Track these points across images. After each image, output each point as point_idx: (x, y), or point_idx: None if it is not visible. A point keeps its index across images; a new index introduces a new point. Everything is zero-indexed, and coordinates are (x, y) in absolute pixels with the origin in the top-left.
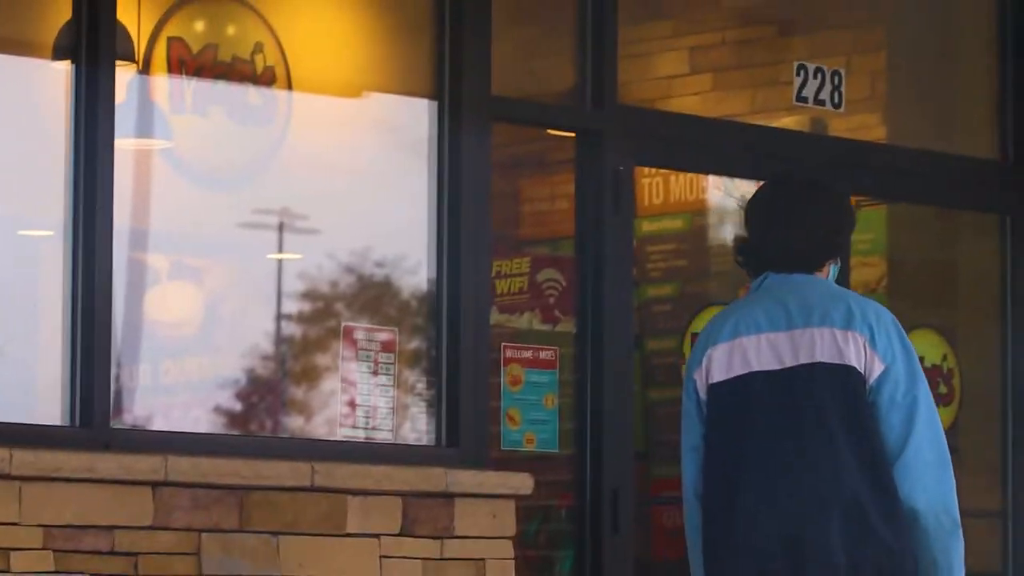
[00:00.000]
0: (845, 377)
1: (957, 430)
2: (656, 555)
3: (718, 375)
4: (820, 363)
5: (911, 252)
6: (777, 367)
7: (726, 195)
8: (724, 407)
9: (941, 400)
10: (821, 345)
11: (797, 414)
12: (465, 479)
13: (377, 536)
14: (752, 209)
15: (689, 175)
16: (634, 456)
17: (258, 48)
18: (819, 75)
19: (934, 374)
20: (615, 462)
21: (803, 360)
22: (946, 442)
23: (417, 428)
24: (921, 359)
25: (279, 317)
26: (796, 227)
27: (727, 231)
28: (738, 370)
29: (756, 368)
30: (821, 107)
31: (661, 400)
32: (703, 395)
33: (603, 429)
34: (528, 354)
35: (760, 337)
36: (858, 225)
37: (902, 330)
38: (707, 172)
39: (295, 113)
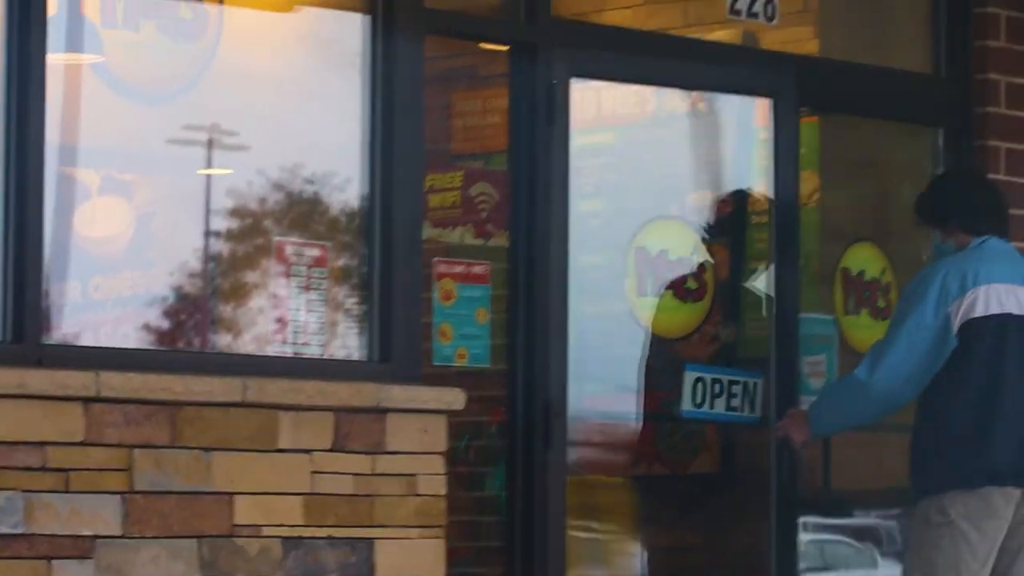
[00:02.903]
0: None
1: None
2: (587, 470)
3: (980, 311)
4: None
5: (844, 165)
6: (1020, 313)
7: (658, 108)
8: (983, 339)
9: (880, 313)
10: None
11: None
12: (397, 394)
13: (309, 452)
14: (975, 184)
15: (621, 89)
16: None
17: None
18: None
19: (873, 288)
20: (547, 377)
21: None
22: None
23: (349, 344)
24: (861, 272)
25: (209, 233)
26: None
27: (658, 145)
28: (995, 309)
29: (1008, 310)
30: (754, 20)
31: (593, 315)
32: (955, 327)
33: (535, 344)
34: (460, 269)
35: (1008, 286)
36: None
37: None
38: (640, 84)
39: (226, 27)
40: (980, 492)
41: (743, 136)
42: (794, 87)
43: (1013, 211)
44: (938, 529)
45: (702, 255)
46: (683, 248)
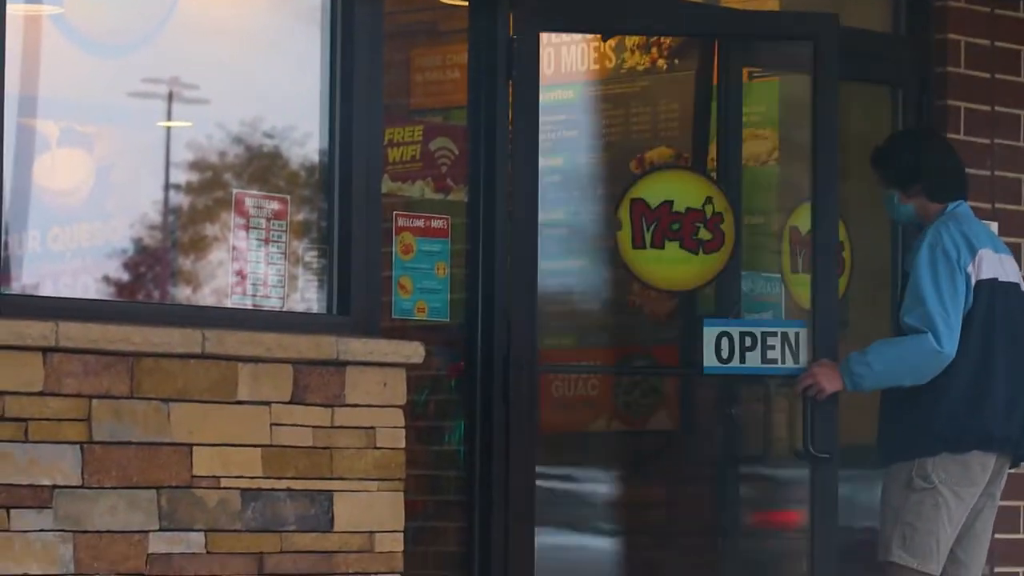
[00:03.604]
0: None
1: (847, 302)
2: (544, 424)
3: (984, 273)
4: (1017, 284)
5: (802, 125)
6: (1004, 279)
7: (618, 66)
8: (981, 302)
9: None
10: (1014, 269)
11: (1019, 321)
12: (356, 347)
13: (268, 404)
14: (943, 147)
15: (580, 45)
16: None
17: None
18: None
19: None
20: (505, 332)
21: (1011, 278)
22: None
23: (308, 297)
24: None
25: (169, 185)
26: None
27: (618, 102)
28: (990, 274)
29: (996, 276)
30: None
31: (549, 271)
32: (972, 287)
33: (494, 299)
34: (420, 223)
35: (991, 252)
36: (750, 97)
37: None
38: (603, 39)
39: None
40: (962, 458)
41: (703, 93)
42: (836, 29)
43: (974, 172)
44: (920, 494)
45: (719, 204)
46: (692, 198)
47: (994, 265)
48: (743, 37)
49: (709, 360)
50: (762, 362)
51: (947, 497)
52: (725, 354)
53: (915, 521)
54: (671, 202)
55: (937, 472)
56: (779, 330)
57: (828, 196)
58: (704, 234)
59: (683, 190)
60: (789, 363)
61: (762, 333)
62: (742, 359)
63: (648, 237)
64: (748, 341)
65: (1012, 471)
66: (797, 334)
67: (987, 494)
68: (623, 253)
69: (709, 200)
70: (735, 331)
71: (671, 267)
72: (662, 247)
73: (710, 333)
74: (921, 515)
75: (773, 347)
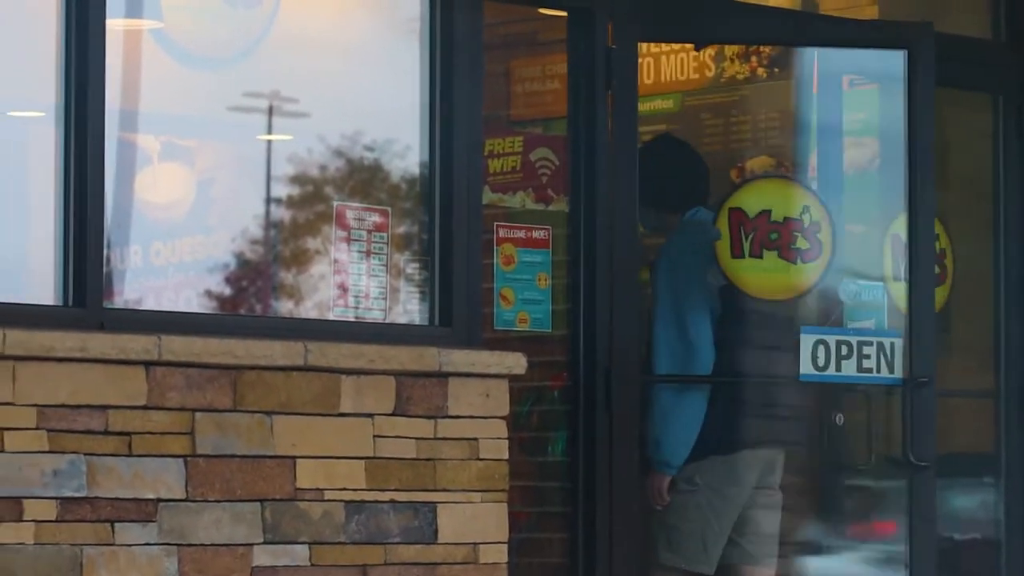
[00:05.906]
0: None
1: (949, 310)
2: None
3: None
4: None
5: (902, 131)
6: None
7: (717, 75)
8: None
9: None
10: None
11: None
12: (458, 359)
13: (371, 416)
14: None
15: (679, 55)
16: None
17: None
18: None
19: None
20: (607, 342)
21: None
22: None
23: (410, 309)
24: None
25: (270, 199)
26: None
27: (718, 111)
28: None
29: None
30: None
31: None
32: None
33: (596, 308)
34: (521, 234)
35: None
36: (850, 104)
37: None
38: (699, 49)
39: None
40: (730, 458)
41: (804, 98)
42: (931, 38)
43: None
44: (683, 496)
45: (816, 213)
46: (790, 207)
47: None
48: (837, 46)
49: (805, 368)
50: (858, 371)
51: (710, 497)
52: (821, 362)
53: (679, 523)
54: (769, 211)
55: (702, 475)
56: (875, 339)
57: (924, 205)
58: (802, 243)
59: (781, 199)
60: (884, 372)
61: (858, 342)
62: (838, 367)
63: (747, 246)
64: (844, 350)
65: None
66: (892, 344)
67: (763, 488)
68: (722, 262)
69: (806, 209)
70: (831, 339)
71: (769, 276)
72: (760, 256)
73: (807, 340)
74: (685, 517)
75: (869, 356)
